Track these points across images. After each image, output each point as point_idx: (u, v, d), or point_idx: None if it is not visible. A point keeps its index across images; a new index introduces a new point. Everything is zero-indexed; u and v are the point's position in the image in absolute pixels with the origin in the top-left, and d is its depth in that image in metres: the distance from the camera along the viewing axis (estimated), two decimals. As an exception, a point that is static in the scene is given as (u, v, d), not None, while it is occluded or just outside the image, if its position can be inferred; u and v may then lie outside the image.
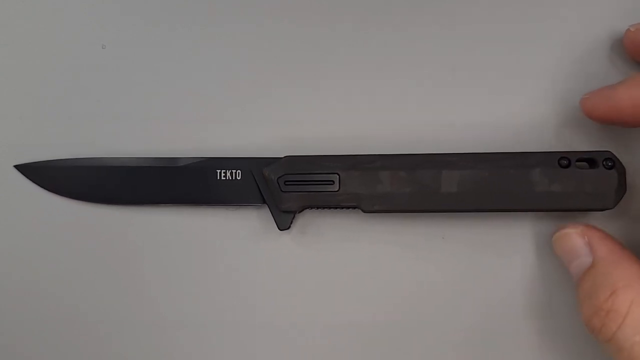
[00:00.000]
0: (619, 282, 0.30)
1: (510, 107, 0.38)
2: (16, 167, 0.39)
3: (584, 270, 0.32)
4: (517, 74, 0.38)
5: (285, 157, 0.37)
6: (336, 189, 0.36)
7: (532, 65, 0.38)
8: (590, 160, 0.35)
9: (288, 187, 0.36)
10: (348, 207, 0.36)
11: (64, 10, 0.40)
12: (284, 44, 0.39)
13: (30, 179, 0.39)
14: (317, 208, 0.37)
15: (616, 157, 0.35)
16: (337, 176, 0.36)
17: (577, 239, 0.33)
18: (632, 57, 0.37)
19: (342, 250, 0.38)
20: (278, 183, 0.36)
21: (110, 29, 0.40)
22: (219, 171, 0.38)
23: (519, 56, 0.38)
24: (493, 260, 0.38)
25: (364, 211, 0.36)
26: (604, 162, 0.35)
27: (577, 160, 0.35)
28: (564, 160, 0.35)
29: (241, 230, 0.38)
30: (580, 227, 0.34)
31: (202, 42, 0.40)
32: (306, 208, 0.37)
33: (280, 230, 0.37)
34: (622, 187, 0.35)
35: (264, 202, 0.37)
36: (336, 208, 0.36)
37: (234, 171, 0.37)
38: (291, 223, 0.37)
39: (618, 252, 0.32)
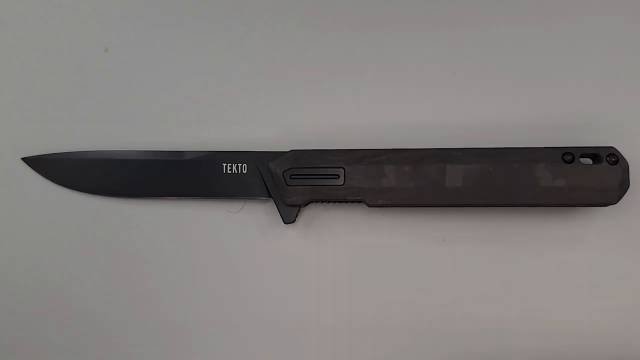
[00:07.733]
0: None
1: (514, 104, 0.39)
2: (24, 159, 0.39)
3: None
4: (521, 71, 0.39)
5: (290, 151, 0.37)
6: (341, 183, 0.36)
7: (537, 63, 0.39)
8: (593, 155, 0.35)
9: (293, 181, 0.37)
10: (353, 201, 0.36)
11: (68, 15, 0.41)
12: (293, 40, 0.40)
13: (37, 172, 0.39)
14: (322, 202, 0.37)
15: (619, 153, 0.35)
16: (342, 170, 0.36)
17: None
18: None
19: (347, 243, 0.38)
20: (283, 177, 0.37)
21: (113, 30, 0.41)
22: (225, 165, 0.38)
23: (521, 54, 0.39)
24: (495, 255, 0.38)
25: (369, 205, 0.36)
26: (608, 158, 0.35)
27: (581, 156, 0.35)
28: (567, 155, 0.35)
29: (247, 223, 0.39)
30: None
31: (207, 39, 0.40)
32: (311, 202, 0.37)
33: (286, 223, 0.37)
34: (625, 182, 0.35)
35: (270, 195, 0.37)
36: (341, 202, 0.37)
37: (239, 165, 0.38)
38: (296, 216, 0.37)
39: None
